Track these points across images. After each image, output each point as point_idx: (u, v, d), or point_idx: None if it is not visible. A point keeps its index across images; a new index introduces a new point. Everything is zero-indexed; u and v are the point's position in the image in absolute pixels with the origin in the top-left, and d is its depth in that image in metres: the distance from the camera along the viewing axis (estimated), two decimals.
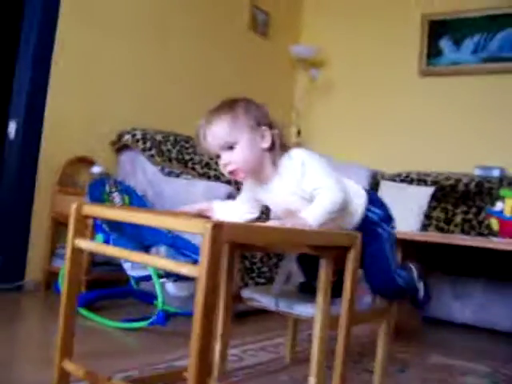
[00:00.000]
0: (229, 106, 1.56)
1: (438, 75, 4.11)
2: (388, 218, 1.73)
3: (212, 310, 1.12)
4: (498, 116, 3.82)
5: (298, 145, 1.68)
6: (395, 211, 3.41)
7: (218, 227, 1.09)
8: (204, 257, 1.09)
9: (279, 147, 1.56)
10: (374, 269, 1.68)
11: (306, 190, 1.54)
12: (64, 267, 1.44)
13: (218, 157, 1.57)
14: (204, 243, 1.09)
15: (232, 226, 1.15)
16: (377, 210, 1.69)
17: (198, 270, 1.10)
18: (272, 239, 1.35)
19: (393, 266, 1.70)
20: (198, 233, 1.12)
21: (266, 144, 1.55)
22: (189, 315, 2.38)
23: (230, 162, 1.53)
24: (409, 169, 3.87)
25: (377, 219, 1.69)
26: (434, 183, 3.66)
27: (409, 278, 1.79)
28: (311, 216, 1.47)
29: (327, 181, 1.53)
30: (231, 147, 1.53)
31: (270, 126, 1.57)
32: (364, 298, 1.86)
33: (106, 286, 2.91)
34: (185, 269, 1.16)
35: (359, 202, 1.67)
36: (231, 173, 1.56)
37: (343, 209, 1.54)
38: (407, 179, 3.80)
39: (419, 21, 4.18)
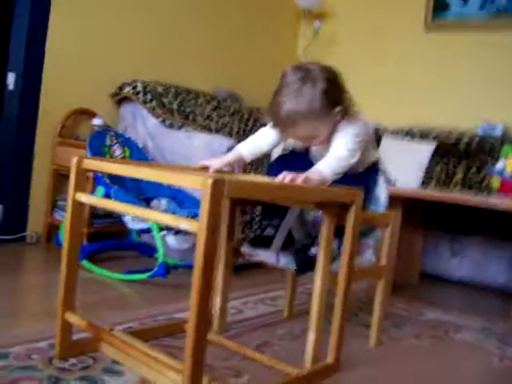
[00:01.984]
0: (309, 95, 1.56)
1: (444, 30, 4.02)
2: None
3: (211, 265, 1.13)
4: (502, 72, 3.76)
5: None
6: (396, 167, 3.42)
7: (219, 183, 1.09)
8: (204, 212, 1.09)
9: (344, 116, 1.66)
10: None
11: None
12: (65, 220, 1.45)
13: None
14: (204, 199, 1.09)
15: (233, 183, 1.14)
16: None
17: (197, 226, 1.10)
18: (274, 196, 1.35)
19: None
20: (198, 188, 1.11)
21: (337, 119, 1.64)
22: (189, 267, 2.41)
23: (309, 144, 1.76)
24: (411, 124, 3.84)
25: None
26: (435, 140, 3.64)
27: None
28: (327, 168, 1.56)
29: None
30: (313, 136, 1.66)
31: (343, 100, 1.65)
32: (365, 253, 1.88)
33: (107, 238, 2.93)
34: (184, 224, 1.16)
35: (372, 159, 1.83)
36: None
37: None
38: (409, 135, 3.77)
39: None
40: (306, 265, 1.66)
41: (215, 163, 1.70)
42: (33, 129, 2.92)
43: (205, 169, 1.71)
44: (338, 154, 1.59)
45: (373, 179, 1.81)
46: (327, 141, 1.67)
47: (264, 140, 1.78)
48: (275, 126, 1.67)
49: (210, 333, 1.72)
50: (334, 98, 1.60)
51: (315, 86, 1.56)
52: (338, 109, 1.61)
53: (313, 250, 1.68)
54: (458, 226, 3.12)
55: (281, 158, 1.87)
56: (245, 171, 2.59)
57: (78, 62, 3.08)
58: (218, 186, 1.08)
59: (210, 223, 1.08)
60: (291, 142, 1.83)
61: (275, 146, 1.80)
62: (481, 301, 2.84)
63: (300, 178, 1.44)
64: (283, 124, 1.62)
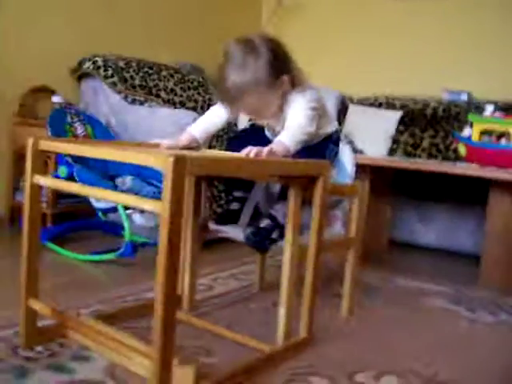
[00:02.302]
0: (253, 66, 1.54)
1: None
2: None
3: (177, 245, 1.10)
4: (467, 39, 3.75)
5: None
6: (363, 135, 3.41)
7: (181, 161, 1.05)
8: (166, 192, 1.05)
9: (293, 86, 1.63)
10: None
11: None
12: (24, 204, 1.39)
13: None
14: (166, 178, 1.05)
15: (196, 160, 1.10)
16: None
17: (160, 206, 1.06)
18: (238, 171, 1.32)
19: None
20: (159, 167, 1.07)
21: (285, 89, 1.61)
22: (158, 245, 2.37)
23: (260, 118, 1.68)
24: (378, 92, 3.83)
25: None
26: (402, 107, 3.64)
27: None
28: (287, 139, 1.52)
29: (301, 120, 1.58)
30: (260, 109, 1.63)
31: (288, 68, 1.62)
32: (334, 225, 1.87)
33: (73, 219, 2.87)
34: (147, 205, 1.12)
35: (327, 130, 1.77)
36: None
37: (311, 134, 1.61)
38: (376, 103, 3.77)
39: None
40: (264, 243, 1.66)
41: (169, 142, 1.64)
42: None
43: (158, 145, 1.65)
44: (296, 123, 1.57)
45: (330, 150, 1.78)
46: (279, 112, 1.65)
47: (215, 118, 1.74)
48: (223, 100, 1.64)
49: (180, 312, 1.70)
50: (279, 68, 1.58)
51: (259, 56, 1.54)
52: (284, 78, 1.59)
53: (261, 223, 1.67)
54: (425, 192, 3.14)
55: (240, 132, 1.84)
56: (210, 147, 2.54)
57: (35, 38, 2.96)
58: (179, 164, 1.05)
59: (172, 202, 1.04)
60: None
61: (227, 122, 1.76)
62: (449, 267, 2.88)
63: (265, 152, 1.42)
64: (230, 98, 1.59)
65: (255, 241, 1.69)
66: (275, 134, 1.65)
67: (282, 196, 1.67)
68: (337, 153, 1.81)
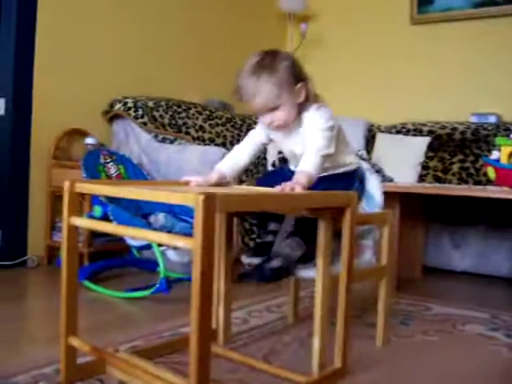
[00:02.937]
0: (271, 65, 1.63)
1: (429, 23, 4.03)
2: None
3: (209, 280, 1.13)
4: (492, 62, 3.76)
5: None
6: (392, 163, 3.42)
7: (210, 199, 1.09)
8: (198, 229, 1.09)
9: (309, 99, 1.69)
10: None
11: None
12: (61, 245, 1.44)
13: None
14: (197, 215, 1.09)
15: (225, 197, 1.14)
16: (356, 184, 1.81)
17: (192, 243, 1.10)
18: (267, 206, 1.35)
19: None
20: (190, 205, 1.11)
21: (301, 99, 1.67)
22: (192, 280, 2.41)
23: (272, 121, 1.68)
24: (404, 119, 3.84)
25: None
26: (429, 133, 3.65)
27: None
28: (310, 166, 1.55)
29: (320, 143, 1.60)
30: (274, 108, 1.65)
31: (304, 80, 1.69)
32: (364, 255, 1.88)
33: (109, 257, 2.93)
34: (179, 242, 1.16)
35: (347, 162, 1.79)
36: (271, 125, 1.70)
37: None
38: (403, 130, 3.78)
39: None
40: (262, 275, 1.68)
41: (198, 180, 1.68)
42: (27, 153, 2.93)
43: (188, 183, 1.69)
44: (314, 147, 1.59)
45: (354, 188, 1.77)
46: (295, 125, 1.69)
47: (241, 154, 1.79)
48: (238, 96, 1.69)
49: (216, 346, 1.72)
50: (296, 74, 1.66)
51: (276, 58, 1.64)
52: (299, 85, 1.65)
53: (273, 263, 1.68)
54: (458, 217, 3.12)
55: (269, 172, 1.88)
56: (241, 181, 2.59)
57: (67, 82, 3.09)
58: (209, 201, 1.08)
59: (204, 239, 1.08)
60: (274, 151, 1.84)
61: (254, 157, 1.80)
62: (485, 291, 2.84)
63: (297, 187, 1.45)
64: (245, 90, 1.64)
65: (254, 275, 1.72)
66: (296, 159, 1.69)
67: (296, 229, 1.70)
68: (362, 190, 1.83)
